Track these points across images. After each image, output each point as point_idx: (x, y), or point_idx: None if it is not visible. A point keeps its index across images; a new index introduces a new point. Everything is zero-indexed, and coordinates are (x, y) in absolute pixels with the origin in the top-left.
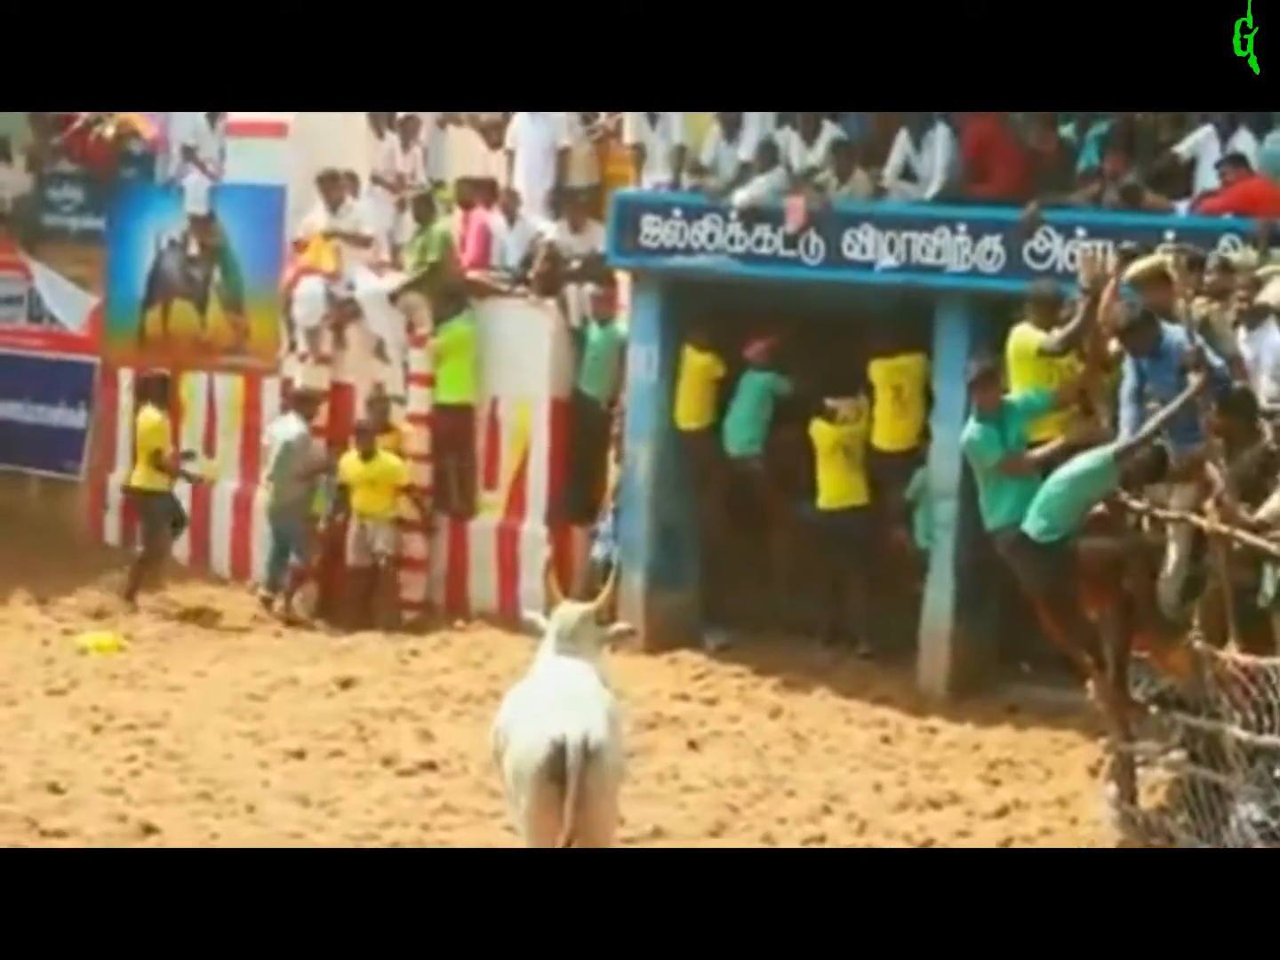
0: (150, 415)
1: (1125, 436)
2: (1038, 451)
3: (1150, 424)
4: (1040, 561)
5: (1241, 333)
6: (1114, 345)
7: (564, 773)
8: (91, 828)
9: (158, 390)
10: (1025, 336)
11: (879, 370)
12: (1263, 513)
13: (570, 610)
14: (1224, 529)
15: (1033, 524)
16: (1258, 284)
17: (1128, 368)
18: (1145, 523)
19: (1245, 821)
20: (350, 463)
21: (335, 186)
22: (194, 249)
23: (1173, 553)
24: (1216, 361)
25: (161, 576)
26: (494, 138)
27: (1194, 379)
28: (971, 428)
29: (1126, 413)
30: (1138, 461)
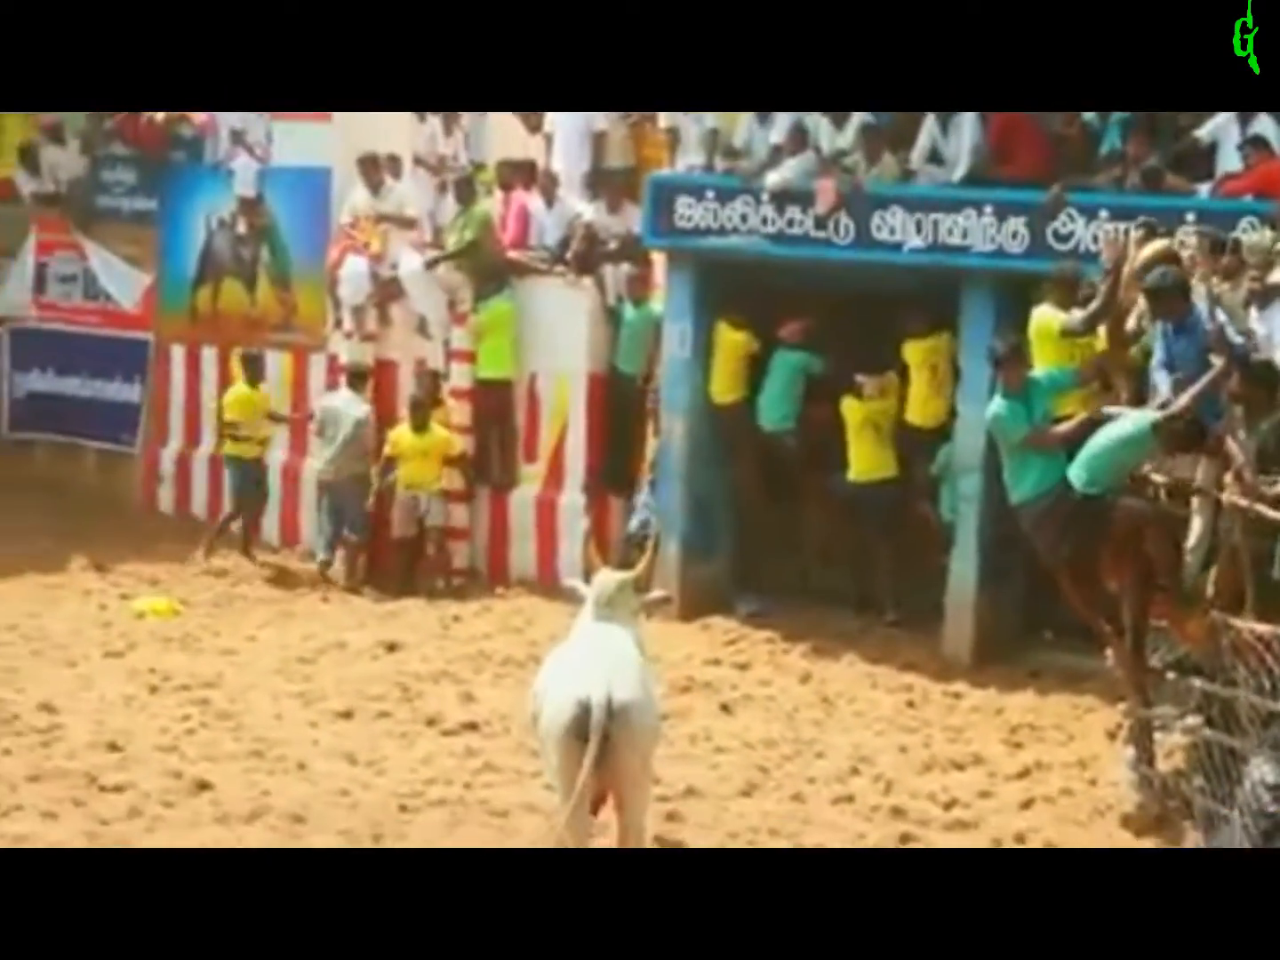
0: (239, 389)
1: (1157, 403)
2: (1061, 427)
3: (1182, 399)
4: (1062, 534)
5: (1253, 311)
6: (1132, 323)
7: (587, 731)
8: (148, 783)
9: (251, 367)
10: (1046, 317)
11: (914, 351)
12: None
13: (609, 577)
14: (1242, 502)
15: (1076, 476)
16: (1269, 264)
17: (1156, 339)
18: (1164, 495)
19: (1259, 784)
20: (402, 435)
21: (376, 169)
22: (243, 229)
23: (1196, 524)
24: (1237, 339)
25: (253, 540)
26: (533, 121)
27: (1217, 360)
28: (997, 404)
29: (1159, 381)
30: (1174, 432)
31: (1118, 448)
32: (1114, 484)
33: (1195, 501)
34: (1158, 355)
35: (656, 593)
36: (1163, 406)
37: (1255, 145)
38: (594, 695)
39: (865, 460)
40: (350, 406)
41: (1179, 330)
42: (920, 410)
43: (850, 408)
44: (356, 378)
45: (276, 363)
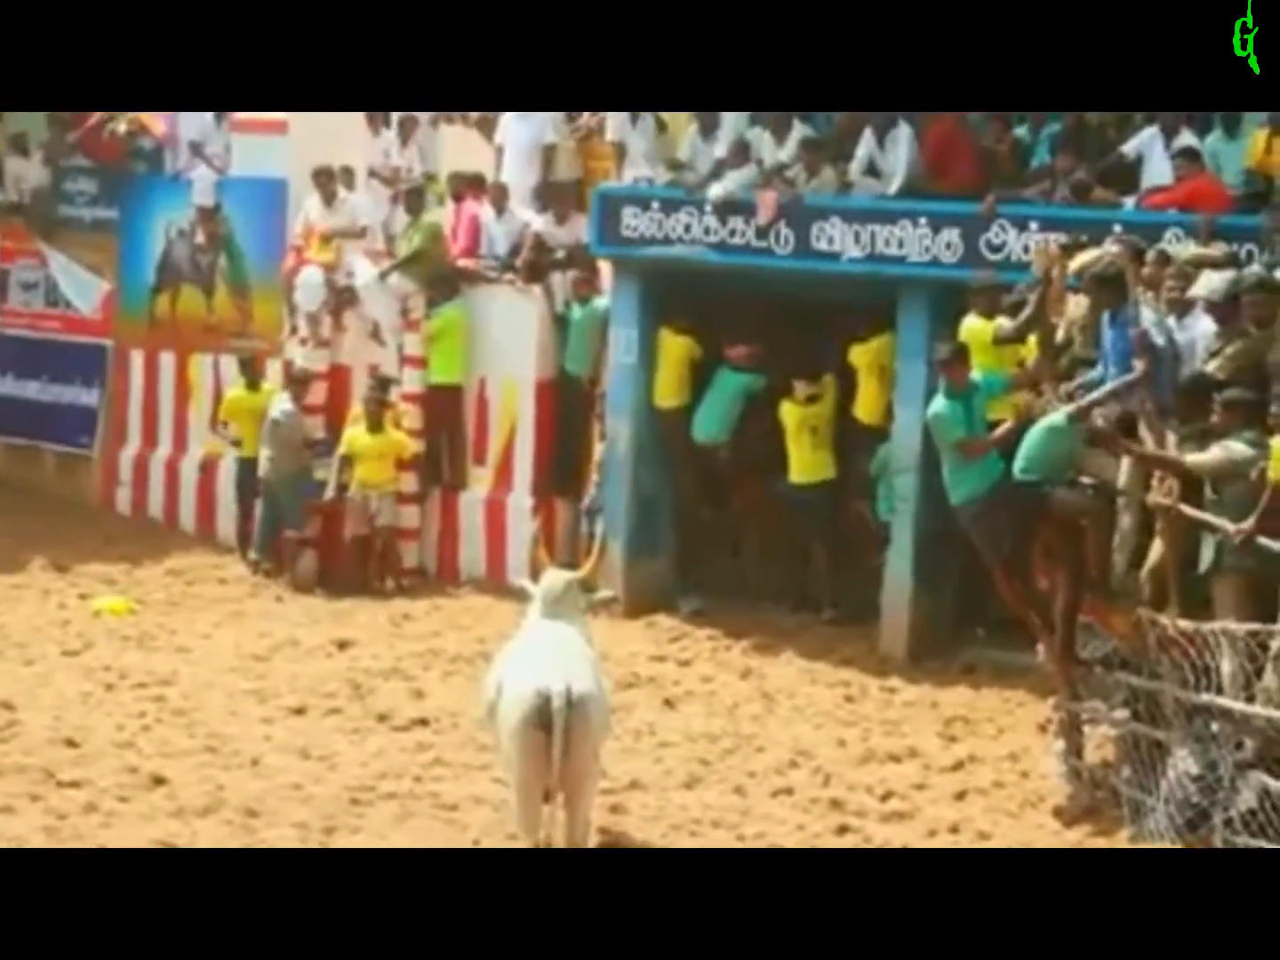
0: (236, 392)
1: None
2: (995, 433)
3: (1095, 394)
4: (1000, 532)
5: (1172, 320)
6: (1062, 334)
7: (549, 721)
8: (105, 779)
9: (248, 370)
10: (976, 325)
11: (862, 353)
12: (1190, 458)
13: (557, 576)
14: (1166, 502)
15: (1015, 465)
16: (1187, 275)
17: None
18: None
19: (1183, 775)
20: (357, 436)
21: (329, 181)
22: (201, 238)
23: (1122, 524)
24: (1160, 341)
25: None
26: (487, 131)
27: (1138, 364)
28: (939, 404)
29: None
30: (1094, 427)
31: (1045, 435)
32: (1048, 473)
33: (1121, 500)
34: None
35: (604, 592)
36: (1070, 398)
37: (1185, 156)
38: (554, 686)
39: (804, 463)
40: (274, 408)
41: (1114, 321)
42: (870, 409)
43: (788, 412)
44: (293, 382)
45: (232, 369)
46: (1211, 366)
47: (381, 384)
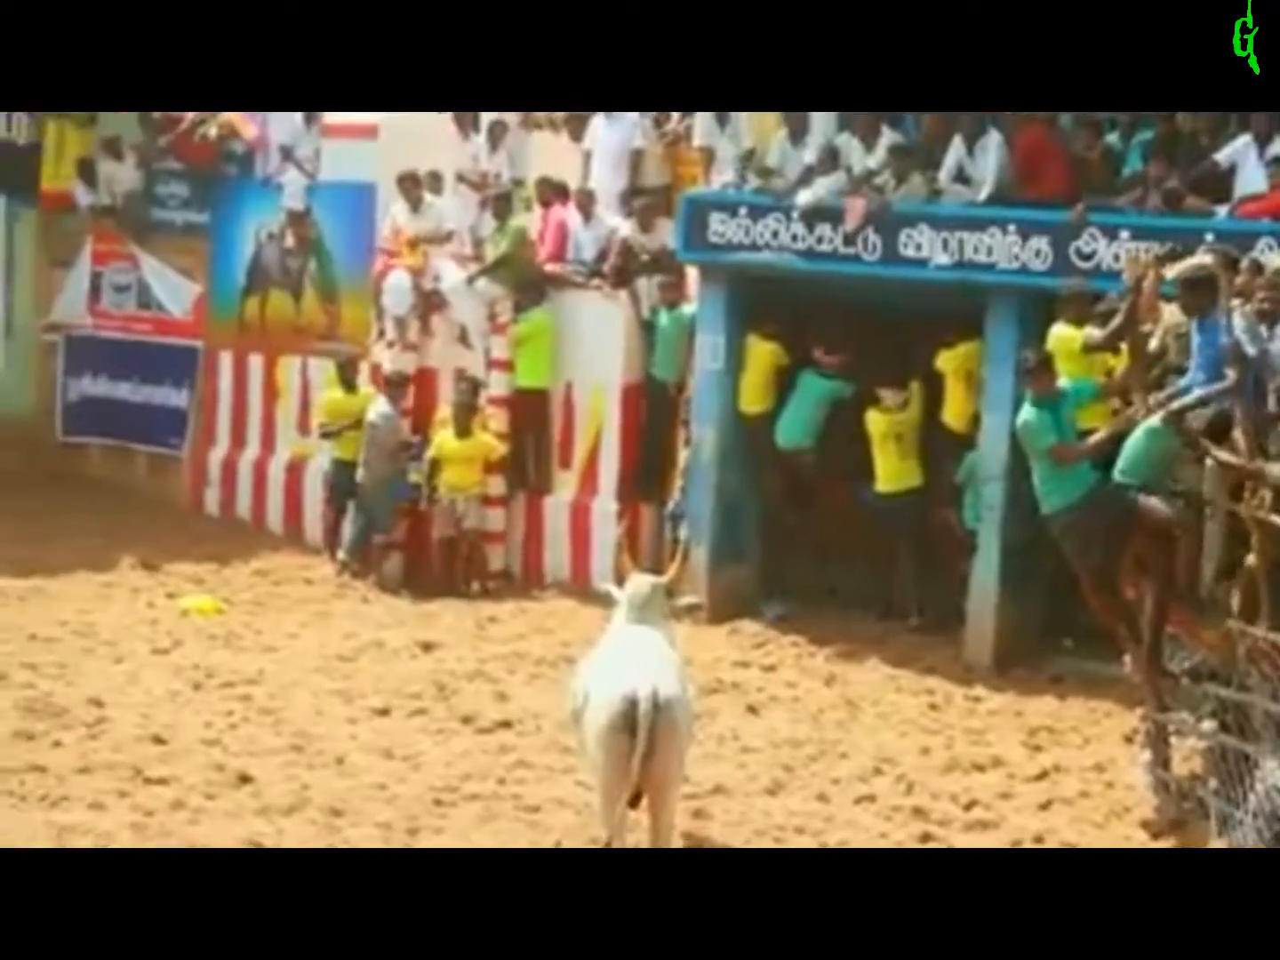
0: (332, 394)
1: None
2: (1088, 441)
3: (1186, 399)
4: (1091, 542)
5: (1264, 330)
6: (1155, 343)
7: (635, 725)
8: (191, 776)
9: (345, 372)
10: (1065, 333)
11: (950, 359)
12: (1273, 469)
13: (643, 581)
14: (1260, 514)
15: (1116, 468)
16: (1277, 286)
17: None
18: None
19: (1272, 788)
20: (445, 440)
21: (415, 186)
22: (291, 242)
23: (1209, 534)
24: (1251, 350)
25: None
26: (576, 136)
27: (1230, 373)
28: (1027, 412)
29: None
30: (1191, 430)
31: (1144, 438)
32: (1147, 478)
33: (1208, 510)
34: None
35: (688, 598)
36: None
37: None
38: (641, 690)
39: (890, 471)
40: (371, 411)
41: (1203, 328)
42: (958, 415)
43: (874, 420)
44: (389, 385)
45: (321, 370)
46: None
47: (470, 388)
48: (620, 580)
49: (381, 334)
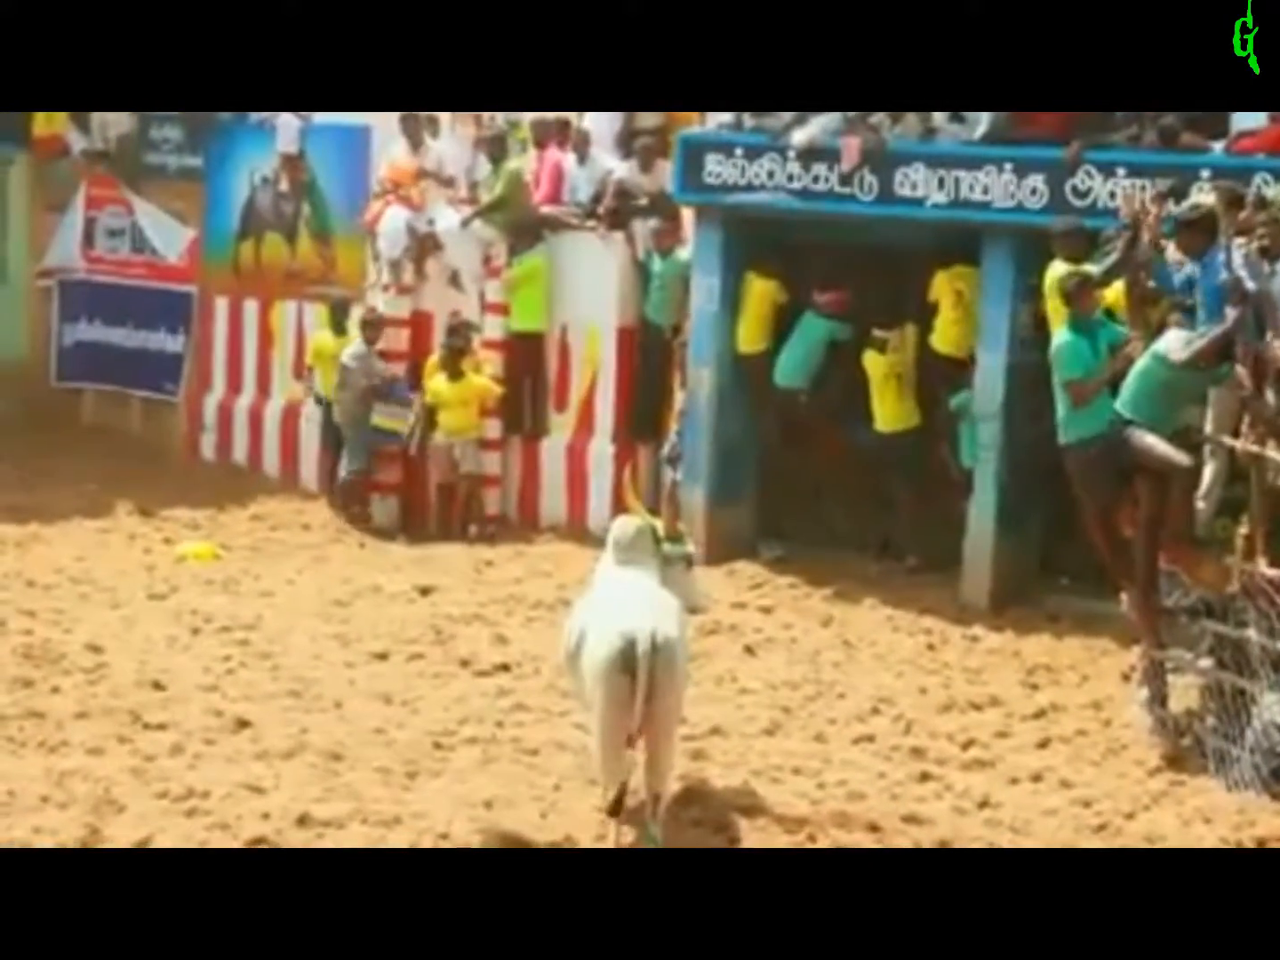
0: (321, 336)
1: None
2: (1092, 380)
3: (1199, 343)
4: (1106, 478)
5: (1265, 267)
6: (1154, 281)
7: (634, 665)
8: (190, 721)
9: (337, 314)
10: (1060, 271)
11: (941, 279)
12: None
13: (627, 523)
14: (1256, 449)
15: (1118, 403)
16: (1278, 221)
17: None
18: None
19: (1269, 724)
20: (438, 384)
21: (416, 127)
22: (285, 185)
23: (1208, 472)
24: (1252, 287)
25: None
26: None
27: (1231, 312)
28: (1064, 335)
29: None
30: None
31: (1138, 376)
32: (1146, 414)
33: (1207, 449)
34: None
35: (684, 546)
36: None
37: None
38: (640, 630)
39: (890, 411)
40: (346, 352)
41: (1203, 266)
42: (947, 337)
43: (873, 361)
44: (365, 326)
45: (315, 314)
46: None
47: (455, 330)
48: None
49: (377, 278)
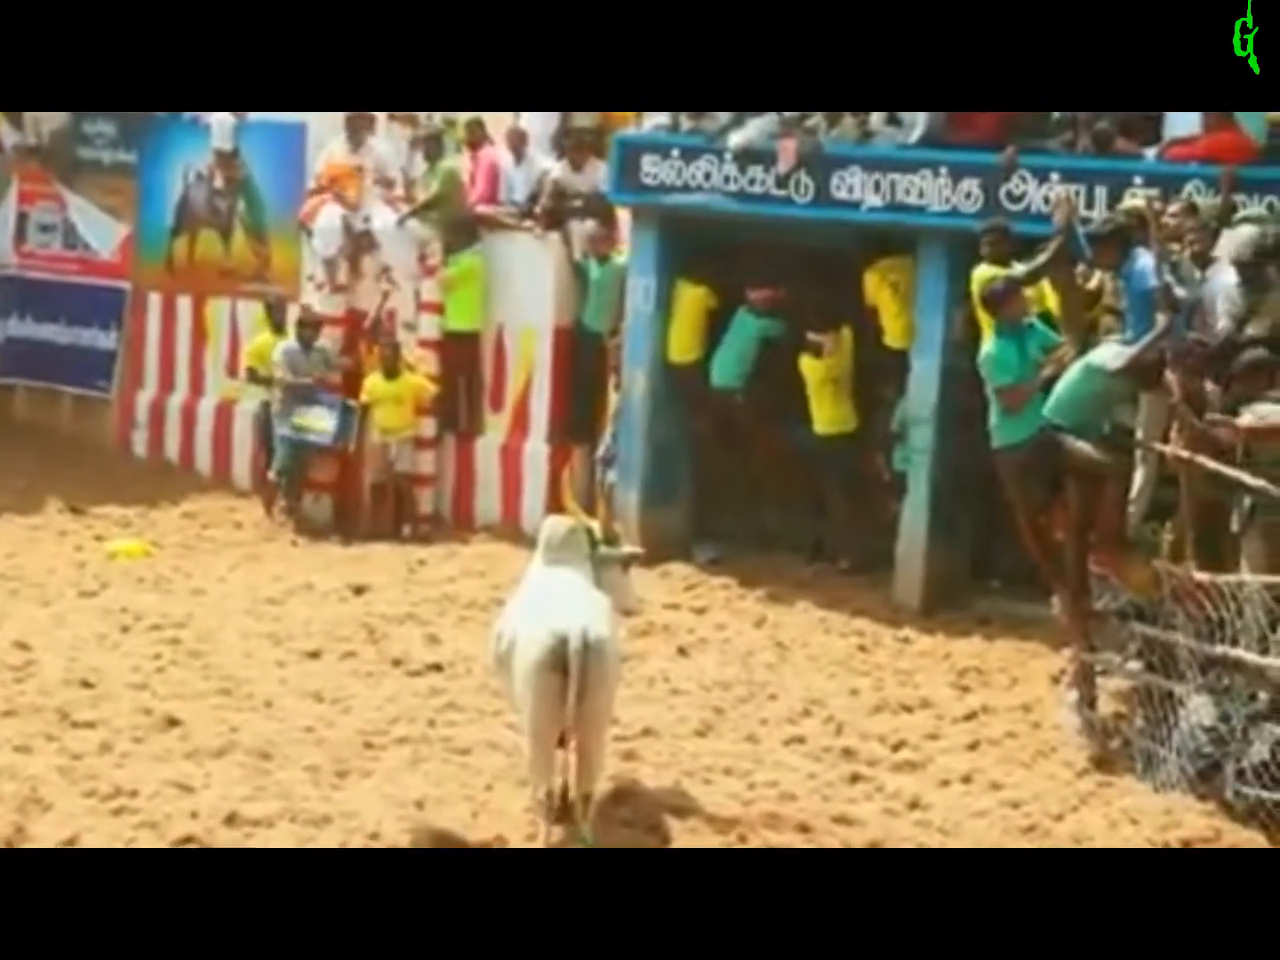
0: (263, 337)
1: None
2: (1024, 385)
3: (1132, 350)
4: (1038, 481)
5: (1196, 274)
6: (1095, 282)
7: (565, 664)
8: (119, 720)
9: (274, 315)
10: (986, 273)
11: (874, 274)
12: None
13: (558, 523)
14: (1185, 454)
15: (1046, 409)
16: (1211, 230)
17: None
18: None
19: (1196, 726)
20: (375, 382)
21: (360, 125)
22: (219, 182)
23: (1139, 475)
24: (1180, 292)
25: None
26: None
27: (1161, 319)
28: (991, 344)
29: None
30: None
31: (1071, 381)
32: (1075, 420)
33: (1137, 453)
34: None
35: (627, 548)
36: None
37: None
38: (571, 629)
39: (828, 415)
40: (277, 349)
41: (1125, 276)
42: (894, 331)
43: (810, 366)
44: (300, 325)
45: (250, 312)
46: (1251, 330)
47: (379, 326)
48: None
49: (312, 276)
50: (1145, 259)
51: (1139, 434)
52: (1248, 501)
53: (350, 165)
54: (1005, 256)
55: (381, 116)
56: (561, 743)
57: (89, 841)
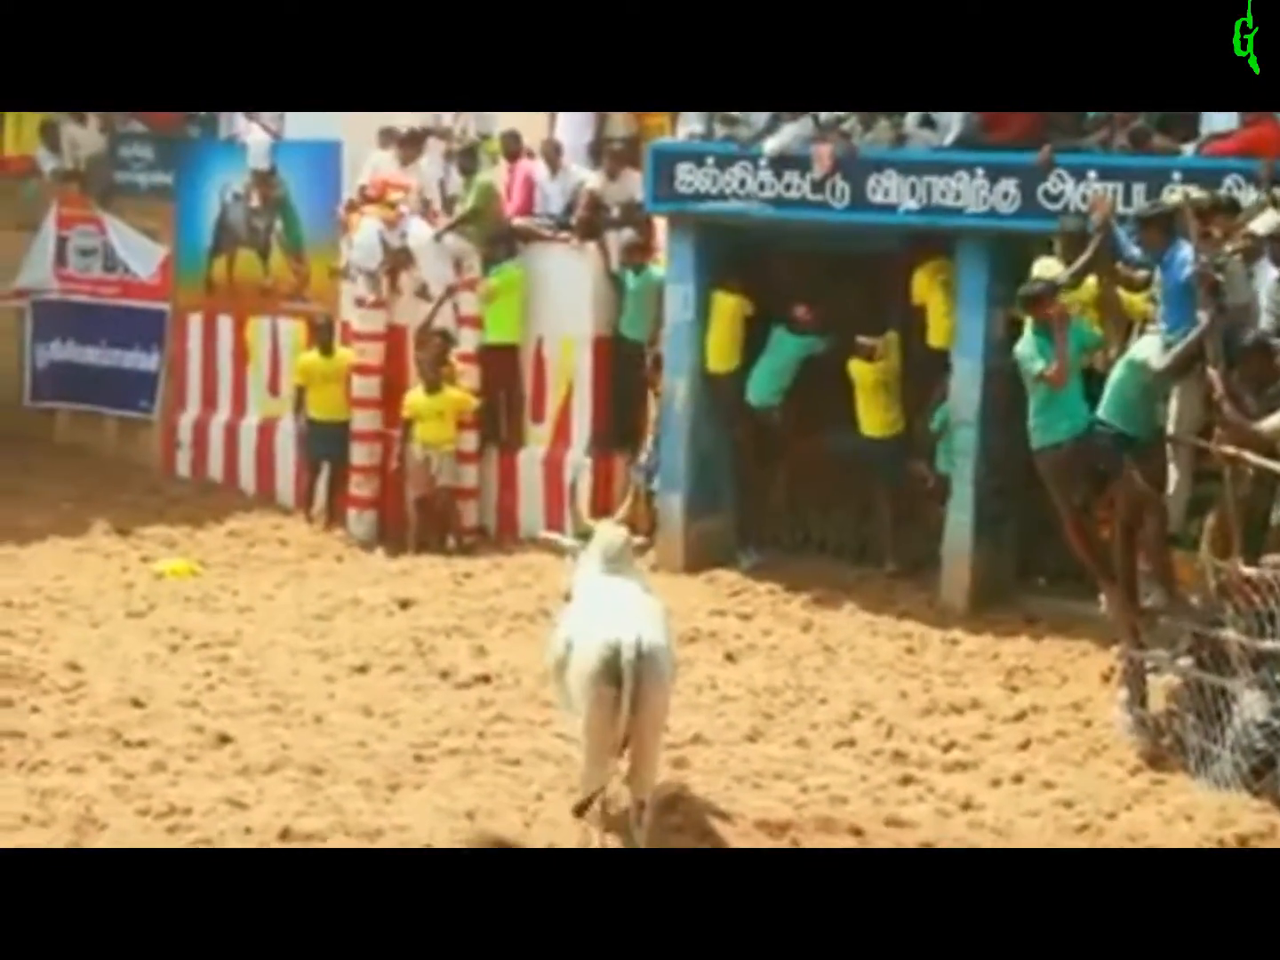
0: (308, 356)
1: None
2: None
3: (1167, 359)
4: (1078, 480)
5: (1245, 275)
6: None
7: (619, 674)
8: (171, 738)
9: (322, 334)
10: (1046, 268)
11: (923, 275)
12: (1264, 425)
13: (615, 532)
14: (1230, 450)
15: (1101, 411)
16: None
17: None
18: None
19: (1249, 722)
20: (416, 397)
21: (413, 146)
22: (256, 201)
23: (1174, 471)
24: (1235, 299)
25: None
26: None
27: (1203, 316)
28: (1027, 340)
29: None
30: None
31: (1120, 377)
32: (1127, 417)
33: (1171, 449)
34: None
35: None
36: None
37: None
38: (624, 638)
39: (878, 418)
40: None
41: (1163, 264)
42: (939, 331)
43: (860, 370)
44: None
45: (290, 330)
46: None
47: (435, 344)
48: (578, 529)
49: (344, 274)
50: (1186, 250)
51: (1170, 429)
52: None
53: (401, 182)
54: (1076, 256)
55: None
56: (618, 752)
57: None
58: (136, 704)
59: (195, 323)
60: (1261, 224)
